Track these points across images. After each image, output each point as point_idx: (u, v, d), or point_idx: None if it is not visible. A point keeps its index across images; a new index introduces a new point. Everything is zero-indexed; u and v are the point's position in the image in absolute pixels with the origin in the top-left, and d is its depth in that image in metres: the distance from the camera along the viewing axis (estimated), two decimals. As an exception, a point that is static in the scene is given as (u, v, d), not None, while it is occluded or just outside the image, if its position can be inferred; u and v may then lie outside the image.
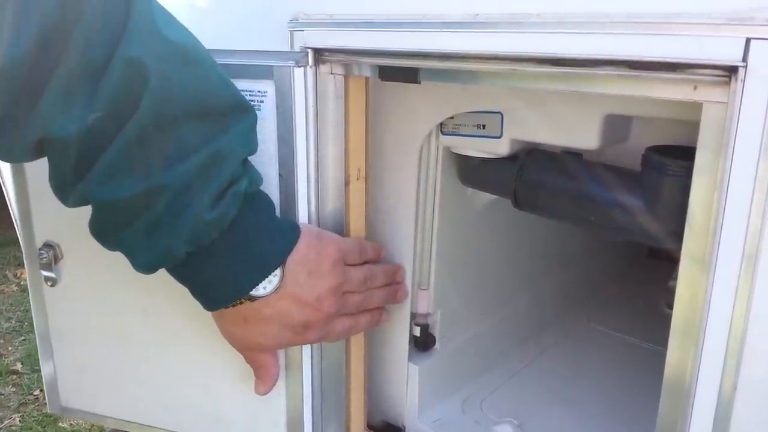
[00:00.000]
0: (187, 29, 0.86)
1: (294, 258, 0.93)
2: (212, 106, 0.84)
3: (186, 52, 0.83)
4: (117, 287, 1.17)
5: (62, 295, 1.24)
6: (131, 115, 0.79)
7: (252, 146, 0.91)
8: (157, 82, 0.78)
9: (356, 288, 1.02)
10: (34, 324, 1.29)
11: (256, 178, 0.92)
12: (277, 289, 0.92)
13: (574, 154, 1.11)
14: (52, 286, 1.23)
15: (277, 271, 0.92)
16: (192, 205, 0.83)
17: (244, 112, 0.89)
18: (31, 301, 1.27)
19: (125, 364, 1.23)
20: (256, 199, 0.92)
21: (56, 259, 1.20)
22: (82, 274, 1.21)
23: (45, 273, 1.22)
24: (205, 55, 0.86)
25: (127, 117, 0.79)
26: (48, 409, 1.35)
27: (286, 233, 0.95)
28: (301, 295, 0.94)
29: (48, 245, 1.20)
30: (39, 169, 1.02)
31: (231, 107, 0.87)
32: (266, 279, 0.91)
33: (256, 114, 0.92)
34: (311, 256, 0.95)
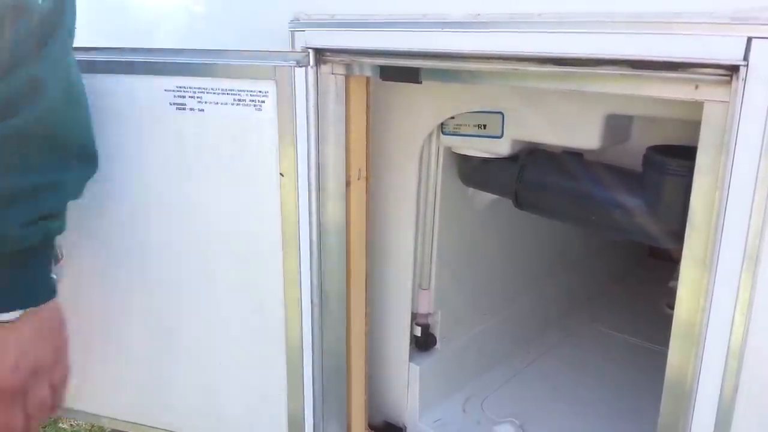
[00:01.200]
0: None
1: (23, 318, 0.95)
2: (71, 147, 0.92)
3: (79, 94, 0.92)
4: (116, 289, 1.17)
5: (63, 296, 1.24)
6: (5, 119, 0.84)
7: (81, 194, 0.97)
8: (46, 105, 0.85)
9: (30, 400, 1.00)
10: None
11: (63, 228, 0.96)
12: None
13: (575, 154, 1.11)
14: None
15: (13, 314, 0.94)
16: (5, 218, 0.87)
17: (91, 161, 0.97)
18: None
19: (125, 365, 1.23)
20: (48, 244, 0.97)
21: (56, 259, 1.20)
22: (83, 275, 1.20)
23: None
24: (86, 101, 0.94)
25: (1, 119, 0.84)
26: (49, 410, 1.35)
27: (36, 294, 0.98)
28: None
29: None
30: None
31: (85, 155, 0.95)
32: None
33: (96, 168, 0.98)
34: (26, 332, 0.96)
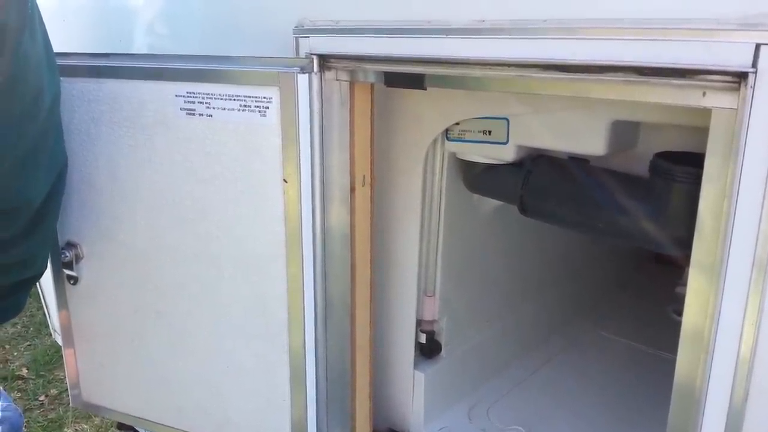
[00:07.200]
0: None
1: None
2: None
3: None
4: (132, 289, 1.18)
5: (84, 294, 1.25)
6: None
7: None
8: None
9: None
10: (58, 320, 1.30)
11: None
12: None
13: (581, 161, 1.10)
14: (74, 284, 1.24)
15: None
16: None
17: None
18: (55, 298, 1.28)
19: (140, 364, 1.23)
20: None
21: (77, 258, 1.22)
22: (102, 274, 1.21)
23: (67, 272, 1.23)
24: None
25: None
26: (71, 404, 1.37)
27: None
28: None
29: (70, 244, 1.21)
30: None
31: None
32: None
33: None
34: None
